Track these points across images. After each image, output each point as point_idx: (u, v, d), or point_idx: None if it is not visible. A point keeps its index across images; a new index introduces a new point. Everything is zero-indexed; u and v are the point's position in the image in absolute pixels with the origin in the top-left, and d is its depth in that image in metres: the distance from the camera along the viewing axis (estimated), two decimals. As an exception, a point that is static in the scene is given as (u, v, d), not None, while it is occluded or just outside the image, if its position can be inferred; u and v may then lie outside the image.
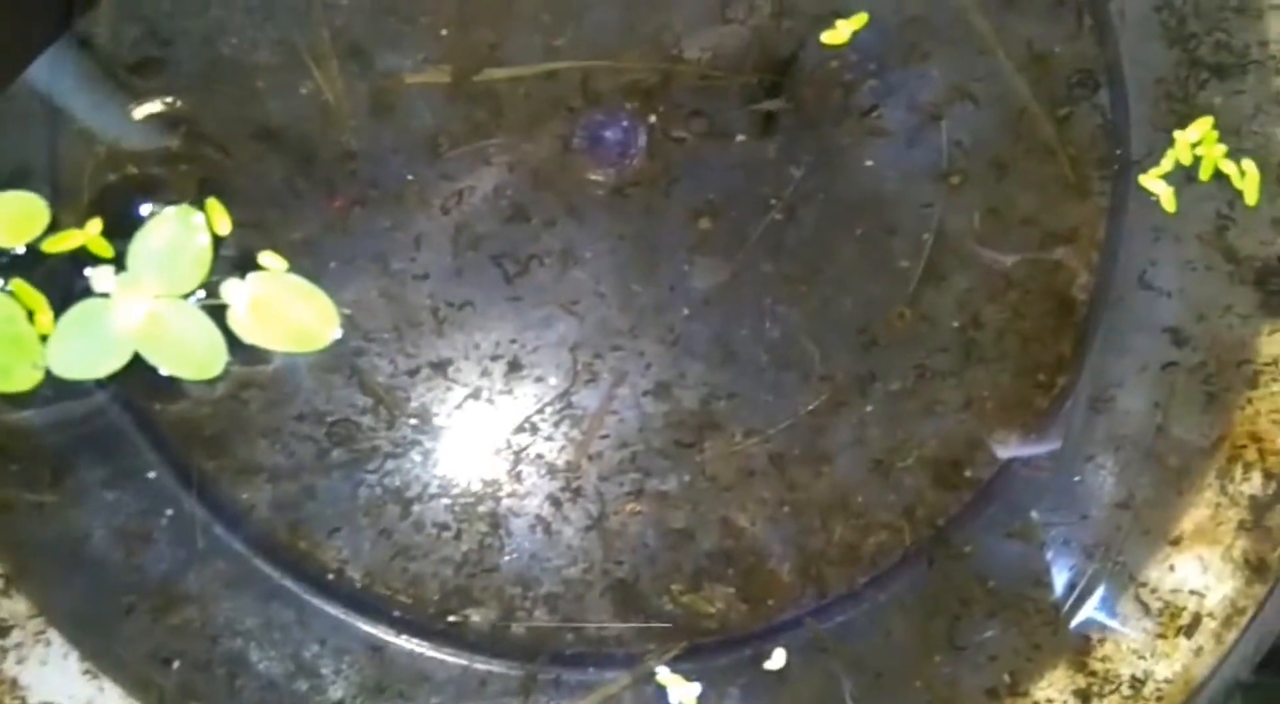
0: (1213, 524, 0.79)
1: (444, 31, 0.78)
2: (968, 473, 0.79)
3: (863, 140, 0.79)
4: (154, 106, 0.76)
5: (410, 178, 0.77)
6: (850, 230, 0.79)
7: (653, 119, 0.78)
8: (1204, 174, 0.80)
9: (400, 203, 0.77)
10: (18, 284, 0.70)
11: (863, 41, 0.79)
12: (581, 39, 0.78)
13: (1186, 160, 0.80)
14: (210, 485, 0.75)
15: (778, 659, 0.75)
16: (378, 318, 0.76)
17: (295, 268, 0.76)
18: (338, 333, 0.72)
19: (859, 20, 0.79)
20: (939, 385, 0.79)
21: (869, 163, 0.80)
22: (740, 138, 0.79)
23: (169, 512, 0.74)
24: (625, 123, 0.78)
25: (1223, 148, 0.79)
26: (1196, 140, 0.79)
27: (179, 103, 0.76)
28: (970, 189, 0.80)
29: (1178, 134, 0.79)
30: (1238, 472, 0.79)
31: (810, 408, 0.78)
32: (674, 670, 0.75)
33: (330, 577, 0.75)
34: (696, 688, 0.74)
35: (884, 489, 0.78)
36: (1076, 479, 0.79)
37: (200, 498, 0.75)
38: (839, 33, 0.79)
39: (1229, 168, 0.79)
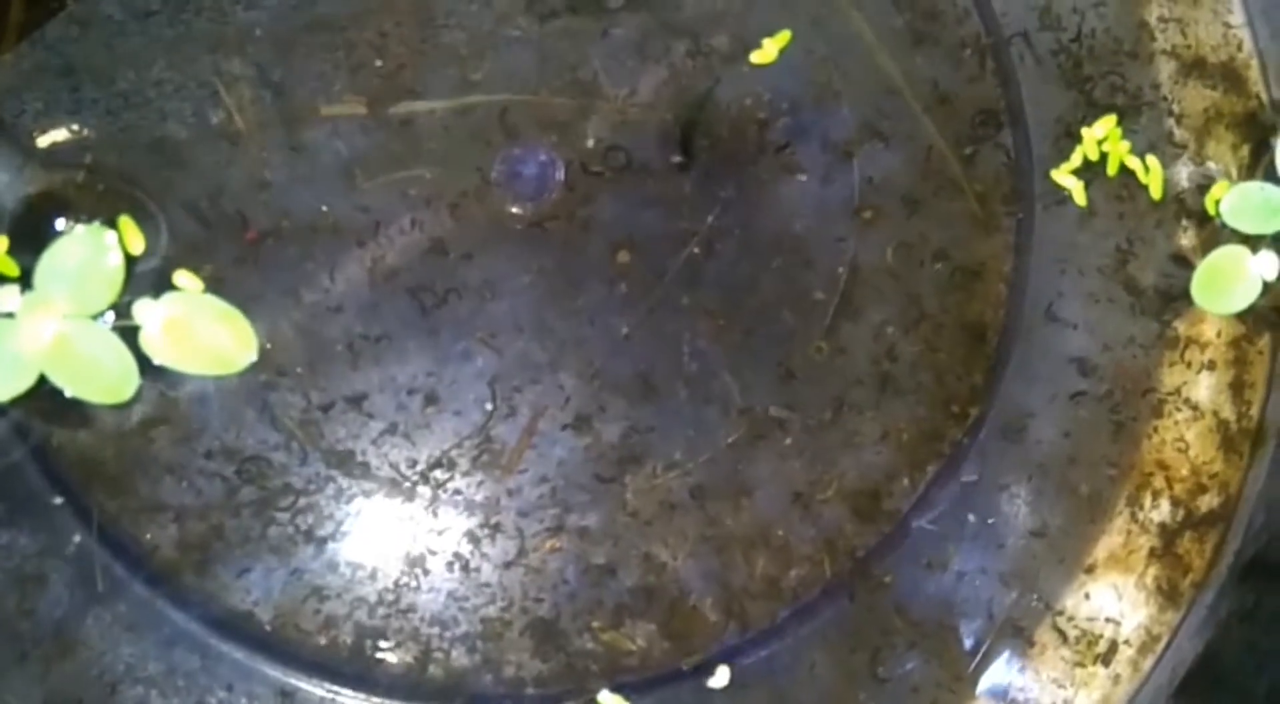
0: (1125, 552, 0.76)
1: (361, 63, 0.73)
2: (886, 504, 0.75)
3: (778, 176, 0.76)
4: (62, 134, 0.69)
5: (325, 209, 0.72)
6: (767, 264, 0.76)
7: (571, 154, 0.74)
8: (1111, 169, 0.78)
9: (315, 234, 0.72)
10: None
11: (776, 80, 0.77)
12: (500, 73, 0.74)
13: (1094, 155, 0.78)
14: (111, 524, 0.68)
15: (721, 677, 0.70)
16: (291, 352, 0.70)
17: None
18: (254, 356, 0.66)
19: (783, 38, 0.76)
20: (856, 418, 0.75)
21: (784, 198, 0.77)
22: (658, 173, 0.75)
23: (67, 552, 0.67)
24: (544, 157, 0.74)
25: (1126, 144, 0.77)
26: (1102, 136, 0.77)
27: (86, 131, 0.70)
28: (882, 224, 0.77)
29: (1084, 131, 0.78)
30: (1147, 499, 0.77)
31: (730, 441, 0.74)
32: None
33: (239, 619, 0.68)
34: None
35: (804, 522, 0.74)
36: (992, 509, 0.76)
37: (100, 537, 0.68)
38: (766, 52, 0.76)
39: (1134, 163, 0.77)
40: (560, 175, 0.74)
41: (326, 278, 0.71)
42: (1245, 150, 0.77)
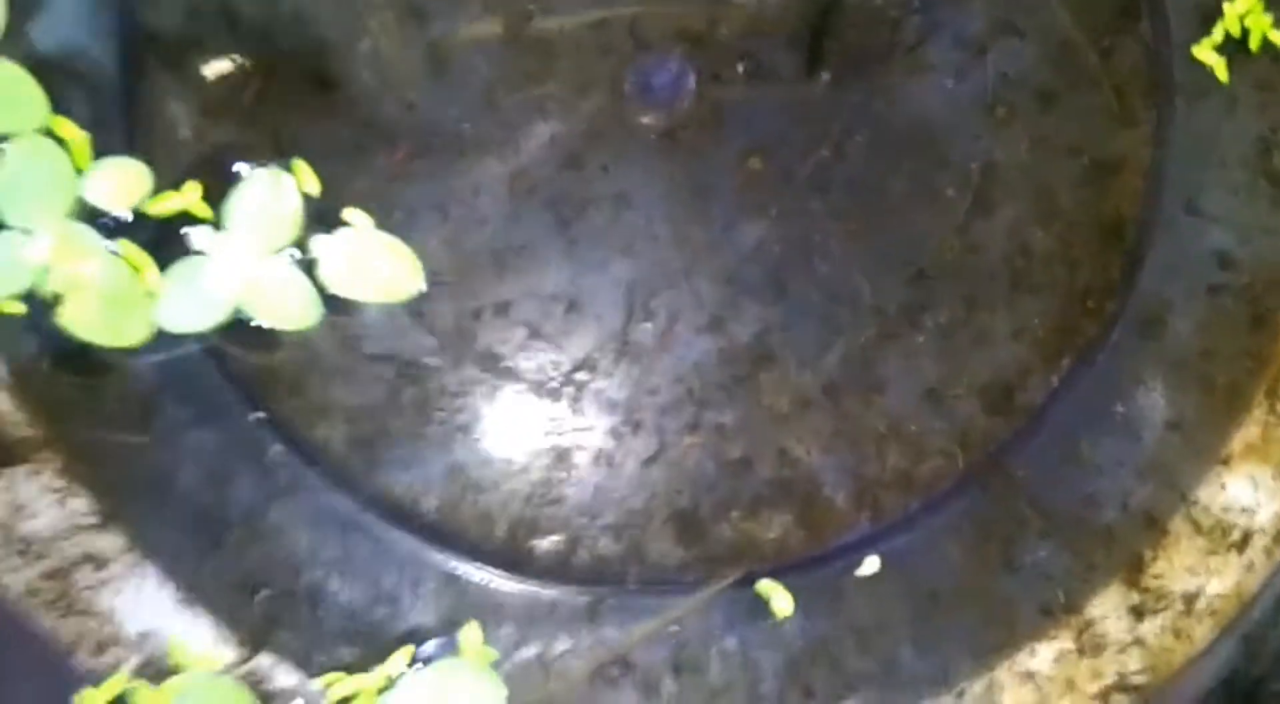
0: (1262, 442, 0.73)
1: (497, -15, 0.72)
2: (1019, 399, 0.73)
3: (909, 76, 0.74)
4: (224, 69, 0.72)
5: (468, 127, 0.73)
6: (898, 165, 0.73)
7: (701, 62, 0.73)
8: (1253, 43, 0.73)
9: (458, 152, 0.73)
10: (125, 245, 0.66)
11: (906, -22, 0.73)
12: (630, -14, 0.73)
13: (1235, 30, 0.73)
14: (287, 424, 0.71)
15: (870, 565, 0.70)
16: (440, 262, 0.72)
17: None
18: (422, 285, 0.68)
19: None
20: (989, 315, 0.73)
21: (916, 98, 0.74)
22: (787, 78, 0.73)
23: (251, 450, 0.71)
24: (674, 67, 0.73)
25: (1269, 18, 0.72)
26: (1245, 10, 0.72)
27: (247, 66, 0.71)
28: (1017, 120, 0.74)
29: (1226, 5, 0.73)
30: (1288, 391, 0.72)
31: (862, 340, 0.73)
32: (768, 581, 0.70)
33: (404, 509, 0.71)
34: (790, 599, 0.69)
35: (936, 417, 0.73)
36: (1128, 402, 0.73)
37: (278, 436, 0.71)
38: None
39: (1277, 37, 0.72)
40: (691, 84, 0.73)
41: (470, 192, 0.72)
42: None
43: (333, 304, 0.69)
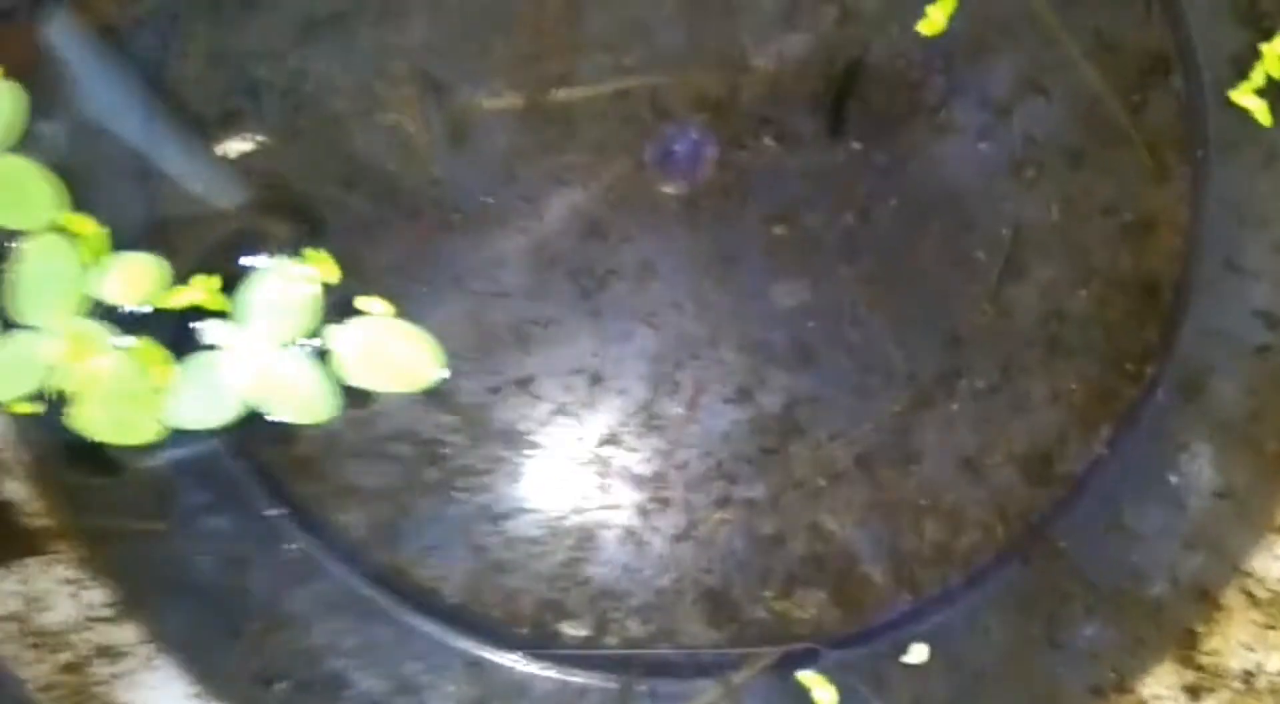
0: (1319, 510, 0.68)
1: (517, 58, 0.70)
2: (1059, 468, 0.69)
3: (934, 139, 0.70)
4: (245, 155, 0.69)
5: (489, 200, 0.70)
6: (927, 228, 0.70)
7: (722, 130, 0.70)
8: None
9: (481, 225, 0.70)
10: (139, 341, 0.64)
11: (927, 40, 0.70)
12: (649, 56, 0.70)
13: (1276, 72, 0.68)
14: (305, 508, 0.68)
15: (918, 654, 0.65)
16: (462, 338, 0.69)
17: (384, 294, 0.68)
18: (444, 373, 0.65)
19: (950, 3, 0.69)
20: (1025, 380, 0.69)
21: (941, 161, 0.70)
22: (810, 143, 0.70)
23: (267, 536, 0.67)
24: (696, 135, 0.70)
25: None
26: None
27: (267, 149, 0.69)
28: (1046, 181, 0.70)
29: (1264, 47, 0.68)
30: (1342, 455, 0.68)
31: (895, 409, 0.69)
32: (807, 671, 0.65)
33: (426, 594, 0.67)
34: (833, 691, 0.65)
35: (974, 487, 0.68)
36: (1172, 469, 0.69)
37: (296, 520, 0.67)
38: (933, 21, 0.69)
39: None
40: (712, 152, 0.70)
41: (492, 266, 0.69)
42: None
43: (350, 395, 0.66)
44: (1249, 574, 0.66)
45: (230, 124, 0.68)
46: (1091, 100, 0.70)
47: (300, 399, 0.64)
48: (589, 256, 0.69)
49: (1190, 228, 0.69)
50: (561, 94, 0.70)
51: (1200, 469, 0.67)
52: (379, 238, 0.68)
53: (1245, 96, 0.67)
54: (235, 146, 0.69)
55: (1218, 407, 0.67)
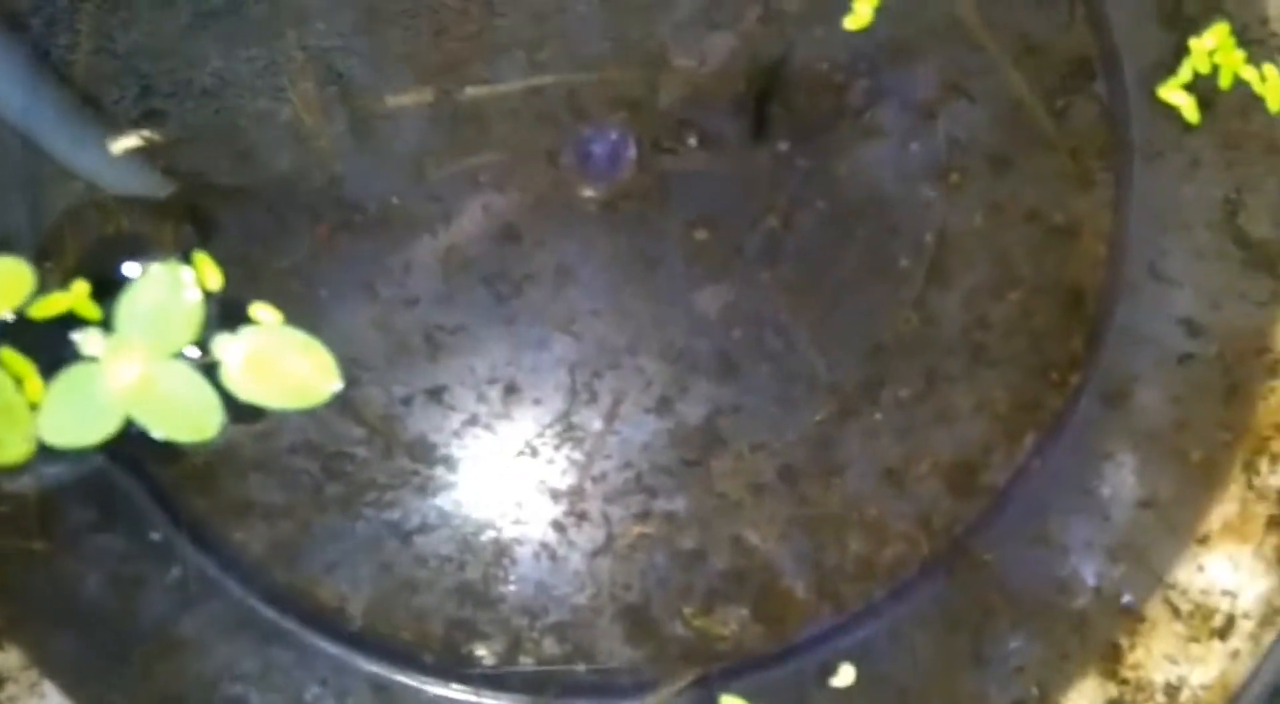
0: (1241, 521, 0.67)
1: (425, 50, 0.66)
2: (983, 479, 0.67)
3: (858, 142, 0.68)
4: (132, 152, 0.64)
5: (396, 201, 0.66)
6: (850, 235, 0.67)
7: (642, 131, 0.67)
8: (1224, 81, 0.66)
9: (387, 227, 0.66)
10: (6, 352, 0.58)
11: (852, 41, 0.68)
12: (566, 53, 0.67)
13: (1204, 68, 0.67)
14: (201, 524, 0.63)
15: (844, 676, 0.62)
16: (368, 346, 0.65)
17: (283, 299, 0.64)
18: (338, 385, 0.61)
19: None
20: (949, 390, 0.67)
21: (865, 165, 0.68)
22: (732, 146, 0.67)
23: (160, 553, 0.63)
24: (615, 136, 0.67)
25: (1241, 53, 0.66)
26: (1213, 47, 0.66)
27: (157, 147, 0.64)
28: (971, 186, 0.68)
29: (1193, 41, 0.66)
30: (1264, 464, 0.67)
31: (818, 418, 0.66)
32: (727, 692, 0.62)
33: (330, 614, 0.63)
34: None
35: (898, 499, 0.66)
36: (1096, 479, 0.67)
37: (191, 537, 0.63)
38: (859, 15, 0.67)
39: (1249, 74, 0.66)
40: (632, 154, 0.66)
41: (401, 270, 0.65)
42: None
43: (243, 409, 0.61)
44: (1172, 586, 0.65)
45: (116, 119, 0.64)
46: (1016, 104, 0.68)
47: (184, 415, 0.59)
48: (503, 261, 0.65)
49: (1114, 234, 0.67)
50: (473, 91, 0.66)
51: (1125, 479, 0.66)
52: (277, 240, 0.64)
53: (1173, 92, 0.65)
54: (121, 143, 0.64)
55: (1142, 416, 0.66)
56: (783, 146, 0.68)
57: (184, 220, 0.64)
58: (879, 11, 0.67)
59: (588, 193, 0.66)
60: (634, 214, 0.66)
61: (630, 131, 0.66)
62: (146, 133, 0.64)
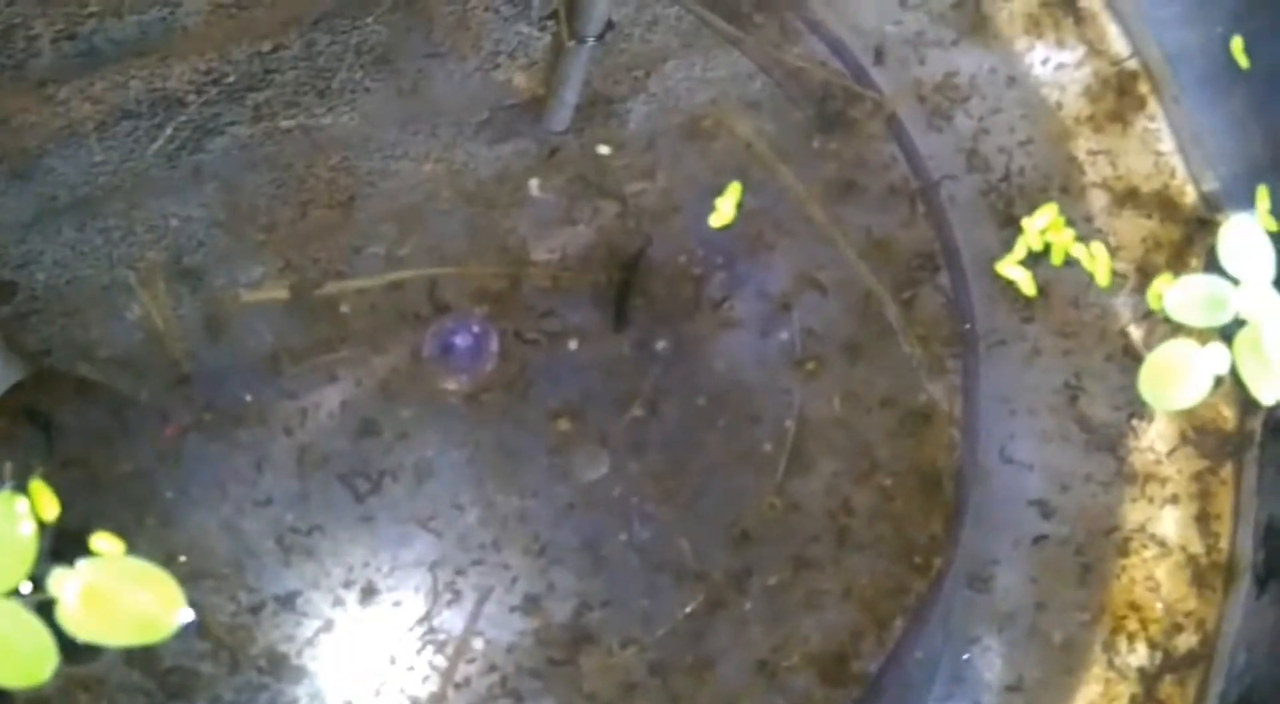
0: (1105, 701, 0.65)
1: (281, 246, 0.63)
2: (854, 666, 0.64)
3: (717, 332, 0.67)
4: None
5: (249, 398, 0.62)
6: (713, 422, 0.66)
7: (504, 323, 0.65)
8: (1056, 258, 0.69)
9: (238, 425, 0.61)
10: None
11: (708, 235, 0.68)
12: (426, 247, 0.65)
13: (1037, 246, 0.69)
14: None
15: None
16: (216, 551, 0.59)
17: (126, 503, 0.60)
18: (185, 616, 0.55)
19: (736, 192, 0.67)
20: (816, 576, 0.65)
21: (725, 354, 0.67)
22: (594, 336, 0.65)
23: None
24: (476, 328, 0.64)
25: (1071, 232, 0.68)
26: (1045, 226, 0.68)
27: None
28: (826, 374, 0.68)
29: (1025, 221, 0.69)
30: (1123, 643, 0.66)
31: (688, 610, 0.63)
32: None
33: None
34: None
35: (771, 691, 0.63)
36: (964, 664, 0.65)
37: (9, 775, 0.55)
38: (722, 214, 0.67)
39: (1079, 251, 0.69)
40: (494, 346, 0.64)
41: (252, 470, 0.60)
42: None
43: (73, 651, 0.55)
44: (1044, 770, 0.62)
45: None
46: (865, 296, 0.68)
47: (13, 659, 0.52)
48: (362, 457, 0.61)
49: (965, 419, 0.67)
50: (332, 286, 0.63)
51: (992, 663, 0.64)
52: (121, 442, 0.59)
53: (1009, 266, 0.67)
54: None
55: (1004, 598, 0.65)
56: (644, 336, 0.66)
57: (22, 422, 0.58)
58: (734, 207, 0.67)
59: (449, 385, 0.64)
60: (497, 406, 0.64)
61: (492, 324, 0.64)
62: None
